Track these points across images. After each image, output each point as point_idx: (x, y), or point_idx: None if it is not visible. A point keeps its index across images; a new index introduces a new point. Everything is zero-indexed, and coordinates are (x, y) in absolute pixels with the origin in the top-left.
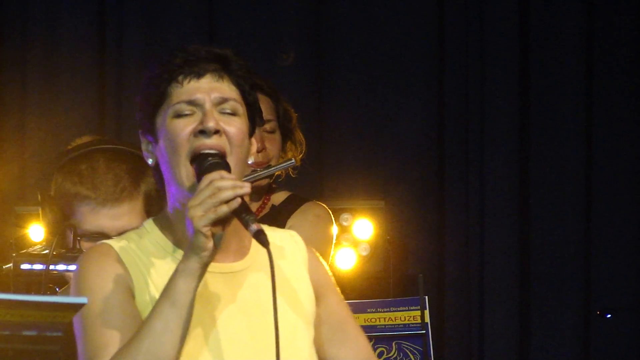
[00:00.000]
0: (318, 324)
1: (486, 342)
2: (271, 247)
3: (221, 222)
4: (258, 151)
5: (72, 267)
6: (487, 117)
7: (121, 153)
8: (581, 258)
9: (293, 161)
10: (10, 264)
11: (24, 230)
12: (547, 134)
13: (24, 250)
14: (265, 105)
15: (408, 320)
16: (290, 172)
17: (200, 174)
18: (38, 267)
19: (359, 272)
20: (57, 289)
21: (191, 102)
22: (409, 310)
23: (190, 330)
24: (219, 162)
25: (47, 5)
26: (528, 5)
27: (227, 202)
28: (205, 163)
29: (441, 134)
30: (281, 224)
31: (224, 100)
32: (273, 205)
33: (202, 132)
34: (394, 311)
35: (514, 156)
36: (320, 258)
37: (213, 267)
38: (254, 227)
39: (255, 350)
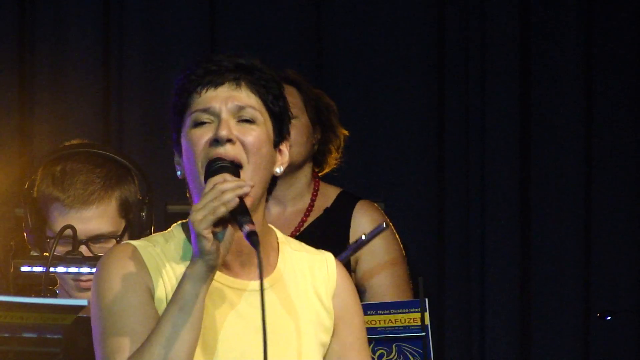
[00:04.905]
0: (328, 357)
1: (486, 345)
2: (293, 266)
3: (222, 222)
4: None
5: (72, 270)
6: (487, 118)
7: (101, 157)
8: (581, 260)
9: (383, 226)
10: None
11: (24, 232)
12: (548, 135)
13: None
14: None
15: (408, 322)
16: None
17: (205, 178)
18: (38, 269)
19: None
20: (57, 292)
21: (207, 110)
22: (409, 312)
23: (204, 345)
24: (225, 166)
25: (52, 8)
26: (529, 5)
27: (227, 202)
28: (211, 168)
29: (441, 135)
30: (340, 232)
31: (240, 108)
32: (326, 209)
33: (215, 141)
34: (394, 313)
35: (514, 157)
36: (352, 290)
37: (234, 282)
38: (247, 227)
39: None
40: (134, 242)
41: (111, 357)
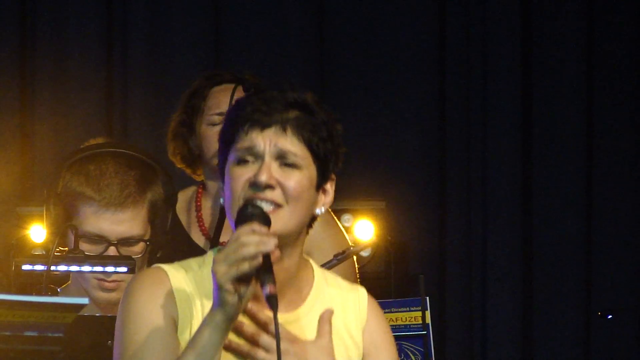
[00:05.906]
0: None
1: (488, 343)
2: (325, 302)
3: (245, 278)
4: None
5: (74, 268)
6: (488, 118)
7: (132, 159)
8: (582, 259)
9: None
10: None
11: (25, 230)
12: (549, 134)
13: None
14: None
15: (409, 321)
16: None
17: (235, 225)
18: (39, 267)
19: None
20: (59, 290)
21: (250, 150)
22: (410, 311)
23: None
24: (256, 213)
25: (55, 7)
26: (530, 5)
27: (250, 258)
28: (243, 212)
29: (442, 135)
30: None
31: (283, 154)
32: None
33: (254, 184)
34: (395, 312)
35: (515, 156)
36: (382, 324)
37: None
38: (267, 289)
39: None
40: (165, 267)
41: None
